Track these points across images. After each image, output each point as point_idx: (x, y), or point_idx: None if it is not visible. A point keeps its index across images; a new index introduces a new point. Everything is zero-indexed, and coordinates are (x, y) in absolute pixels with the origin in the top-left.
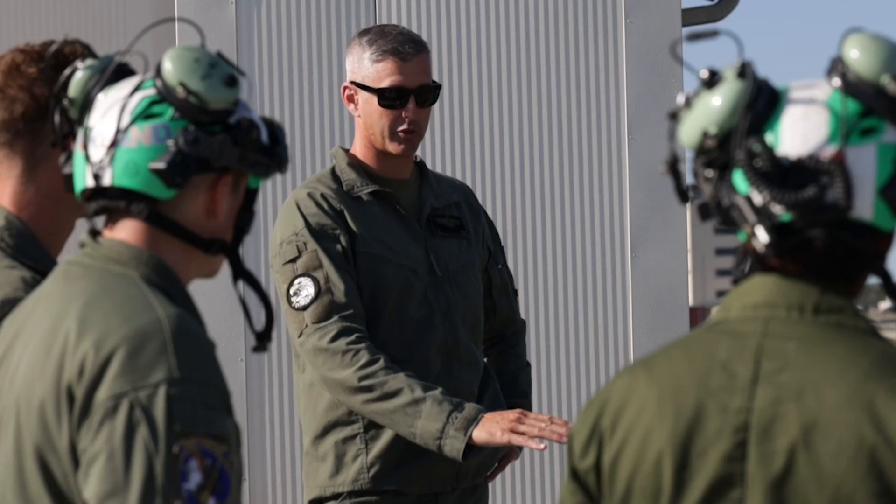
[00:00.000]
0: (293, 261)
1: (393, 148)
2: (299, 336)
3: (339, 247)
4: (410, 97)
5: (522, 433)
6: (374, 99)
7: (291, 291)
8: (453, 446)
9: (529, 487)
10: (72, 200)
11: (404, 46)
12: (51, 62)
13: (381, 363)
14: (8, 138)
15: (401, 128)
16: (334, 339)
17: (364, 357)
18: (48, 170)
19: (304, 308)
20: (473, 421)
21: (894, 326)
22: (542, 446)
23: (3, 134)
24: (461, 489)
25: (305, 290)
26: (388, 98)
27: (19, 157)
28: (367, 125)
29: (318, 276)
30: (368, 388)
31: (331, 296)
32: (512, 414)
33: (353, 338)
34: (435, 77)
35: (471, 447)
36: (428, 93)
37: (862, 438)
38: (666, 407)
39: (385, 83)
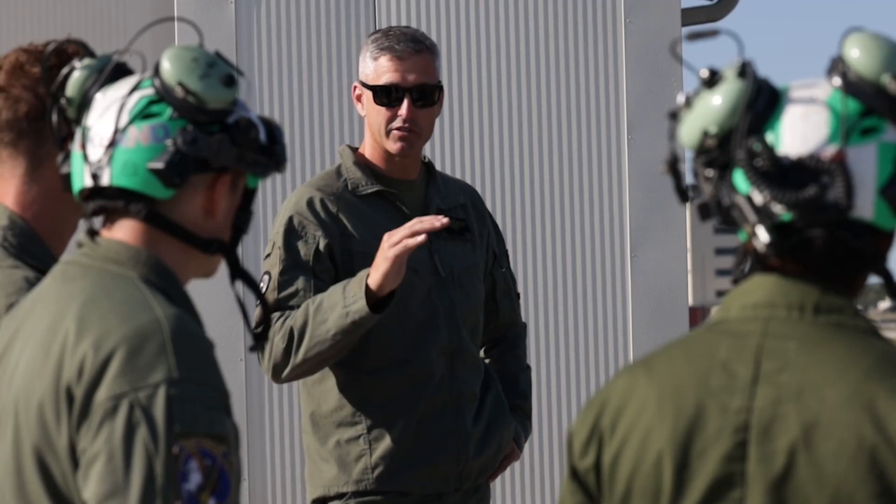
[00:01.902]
0: (267, 256)
1: (390, 147)
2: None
3: (310, 250)
4: (406, 95)
5: (398, 243)
6: (372, 96)
7: (262, 286)
8: (358, 307)
9: (529, 487)
10: (74, 200)
11: (401, 44)
12: (52, 61)
13: (289, 321)
14: (12, 138)
15: (395, 126)
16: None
17: (276, 329)
18: (51, 169)
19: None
20: (363, 279)
21: (894, 326)
22: (420, 239)
23: (6, 133)
24: (464, 490)
25: (264, 287)
26: (383, 96)
27: (23, 156)
28: (369, 123)
29: (273, 274)
30: (289, 344)
31: (275, 295)
32: (383, 242)
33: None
34: None
35: (380, 303)
36: (426, 92)
37: (862, 438)
38: (666, 407)
39: (381, 81)
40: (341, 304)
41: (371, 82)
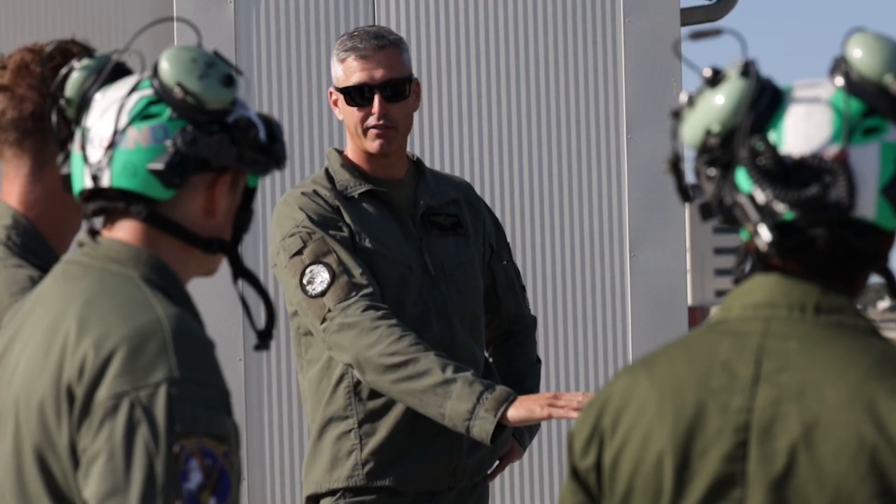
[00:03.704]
0: (300, 252)
1: (369, 146)
2: (322, 322)
3: (344, 233)
4: (375, 92)
5: (562, 406)
6: (344, 99)
7: (304, 281)
8: (482, 427)
9: (529, 487)
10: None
11: (363, 42)
12: (57, 60)
13: (410, 340)
14: (17, 137)
15: (371, 124)
16: (362, 313)
17: (393, 334)
18: (56, 169)
19: (323, 294)
20: (504, 402)
21: (894, 326)
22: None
23: (11, 133)
24: (459, 488)
25: (319, 276)
26: (355, 96)
27: (27, 156)
28: (347, 126)
29: (329, 260)
30: (398, 367)
31: (347, 276)
32: (547, 393)
33: (380, 314)
34: (433, 77)
35: (497, 430)
36: (397, 87)
37: (863, 438)
38: (666, 407)
39: (350, 82)
40: (469, 406)
41: (342, 84)
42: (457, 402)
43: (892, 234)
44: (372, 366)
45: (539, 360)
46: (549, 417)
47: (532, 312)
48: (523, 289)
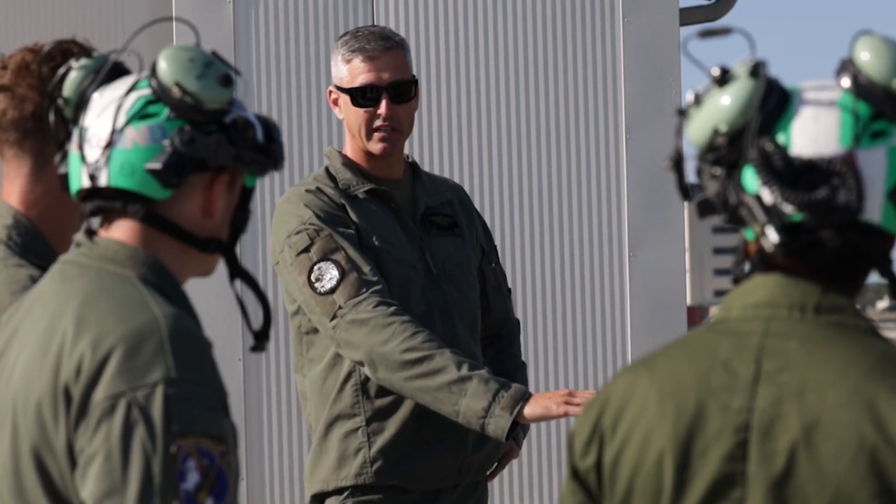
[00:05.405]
0: (307, 249)
1: (373, 147)
2: (332, 319)
3: (351, 231)
4: (383, 94)
5: (578, 404)
6: (349, 99)
7: (313, 279)
8: (498, 425)
9: (528, 487)
10: None
11: (371, 44)
12: (58, 60)
13: (424, 337)
14: (17, 137)
15: (377, 126)
16: (374, 309)
17: (407, 330)
18: (56, 169)
19: (332, 291)
20: (520, 400)
21: (894, 326)
22: None
23: (12, 133)
24: (463, 486)
25: (328, 273)
26: (360, 97)
27: (28, 156)
28: (348, 126)
29: (338, 257)
30: (413, 364)
31: (357, 273)
32: (562, 390)
33: (392, 310)
34: (432, 76)
35: (512, 428)
36: (403, 88)
37: (863, 438)
38: (667, 406)
39: (356, 83)
40: (484, 404)
41: (346, 85)
42: (472, 399)
43: (894, 236)
44: (386, 362)
45: (525, 364)
46: (566, 415)
47: (531, 312)
48: (509, 291)
